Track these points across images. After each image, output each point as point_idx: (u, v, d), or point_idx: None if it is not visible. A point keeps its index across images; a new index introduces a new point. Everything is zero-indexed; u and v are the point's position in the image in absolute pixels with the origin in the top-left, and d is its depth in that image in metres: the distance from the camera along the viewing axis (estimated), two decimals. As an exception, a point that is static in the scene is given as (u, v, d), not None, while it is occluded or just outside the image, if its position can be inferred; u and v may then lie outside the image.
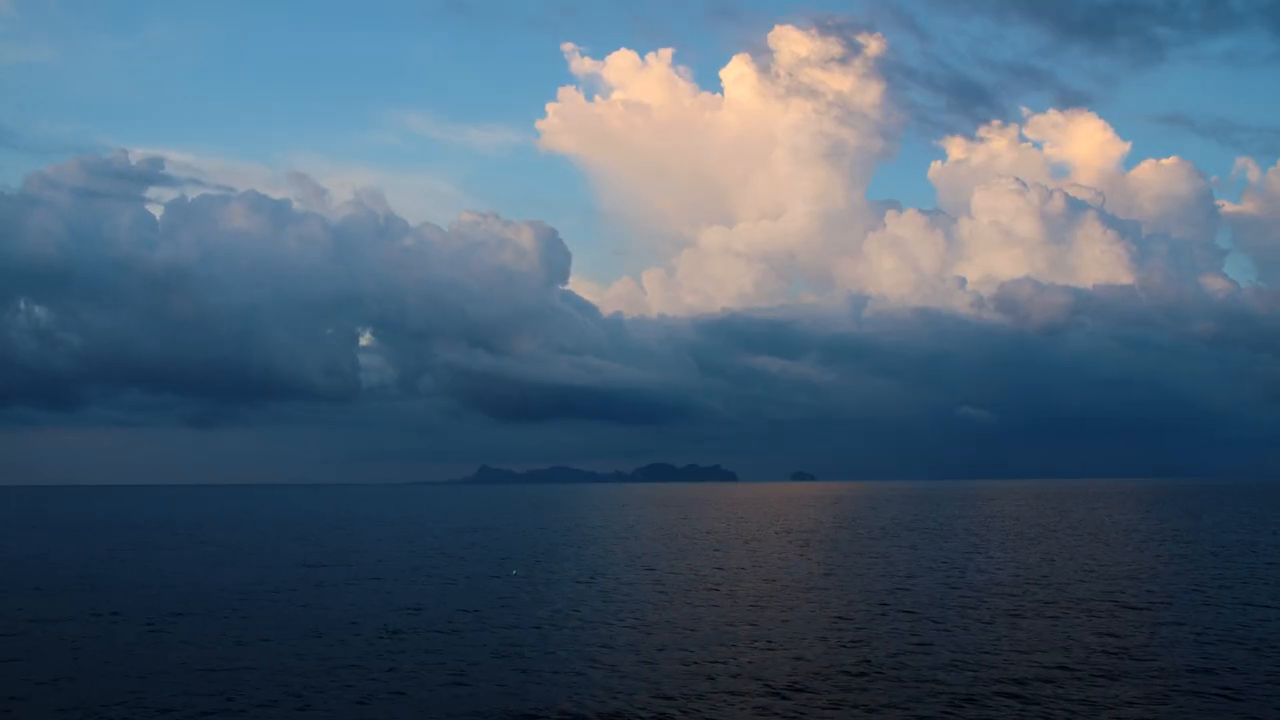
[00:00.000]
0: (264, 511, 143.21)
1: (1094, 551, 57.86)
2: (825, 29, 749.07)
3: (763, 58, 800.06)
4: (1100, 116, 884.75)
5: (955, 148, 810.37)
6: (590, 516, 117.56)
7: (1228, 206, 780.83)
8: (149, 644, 29.49)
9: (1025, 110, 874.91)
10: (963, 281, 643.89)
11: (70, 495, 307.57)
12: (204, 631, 31.56)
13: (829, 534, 77.52)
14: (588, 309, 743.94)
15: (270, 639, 30.14)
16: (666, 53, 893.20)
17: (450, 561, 55.65)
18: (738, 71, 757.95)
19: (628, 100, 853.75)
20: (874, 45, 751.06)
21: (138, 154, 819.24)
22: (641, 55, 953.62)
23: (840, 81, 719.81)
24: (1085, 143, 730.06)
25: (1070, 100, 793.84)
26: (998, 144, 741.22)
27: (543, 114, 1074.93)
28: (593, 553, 60.89)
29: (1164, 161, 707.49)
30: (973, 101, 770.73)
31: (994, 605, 35.62)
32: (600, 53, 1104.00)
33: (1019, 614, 33.46)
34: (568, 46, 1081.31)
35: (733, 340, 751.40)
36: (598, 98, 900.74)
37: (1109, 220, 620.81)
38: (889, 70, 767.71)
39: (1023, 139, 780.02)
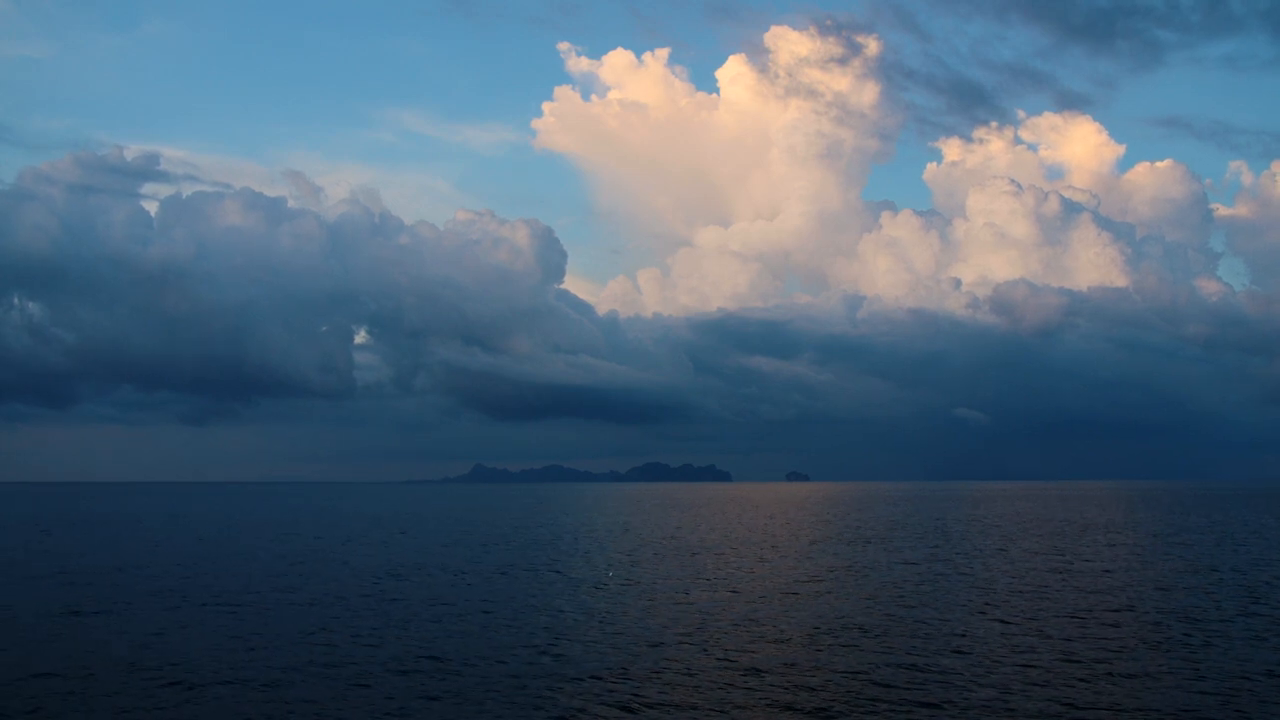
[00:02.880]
0: (286, 510, 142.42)
1: (1200, 555, 57.90)
2: (824, 29, 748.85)
3: (760, 58, 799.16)
4: (1099, 119, 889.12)
5: (951, 149, 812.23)
6: (621, 516, 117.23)
7: (1221, 210, 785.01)
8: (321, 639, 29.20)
9: (1021, 113, 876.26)
10: (958, 283, 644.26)
11: (67, 493, 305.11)
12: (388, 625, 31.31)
13: (899, 536, 77.35)
14: (583, 308, 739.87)
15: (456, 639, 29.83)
16: (663, 52, 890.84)
17: (531, 561, 55.23)
18: (734, 71, 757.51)
19: (624, 100, 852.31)
20: (873, 45, 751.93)
21: (133, 150, 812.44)
22: (638, 55, 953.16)
23: (838, 82, 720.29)
24: (1080, 145, 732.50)
25: (1070, 102, 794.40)
26: (993, 146, 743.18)
27: (539, 113, 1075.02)
28: (669, 553, 60.60)
29: (1158, 164, 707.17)
30: (972, 103, 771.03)
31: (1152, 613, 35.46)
32: (596, 52, 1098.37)
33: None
34: (564, 46, 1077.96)
35: (728, 340, 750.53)
36: (594, 97, 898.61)
37: (1103, 223, 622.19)
38: (889, 71, 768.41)
39: (1018, 141, 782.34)
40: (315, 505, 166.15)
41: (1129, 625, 31.71)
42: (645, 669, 25.70)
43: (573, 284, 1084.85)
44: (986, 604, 36.59)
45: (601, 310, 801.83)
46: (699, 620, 33.23)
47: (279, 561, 55.59)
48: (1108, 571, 47.45)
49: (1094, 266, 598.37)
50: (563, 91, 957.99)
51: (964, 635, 30.11)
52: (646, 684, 24.08)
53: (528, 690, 23.62)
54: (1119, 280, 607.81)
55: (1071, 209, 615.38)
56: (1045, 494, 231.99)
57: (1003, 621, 32.53)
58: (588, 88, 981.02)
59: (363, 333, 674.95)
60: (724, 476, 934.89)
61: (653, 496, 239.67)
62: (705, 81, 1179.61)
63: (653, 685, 23.96)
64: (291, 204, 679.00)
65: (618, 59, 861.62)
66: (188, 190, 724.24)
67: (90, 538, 78.78)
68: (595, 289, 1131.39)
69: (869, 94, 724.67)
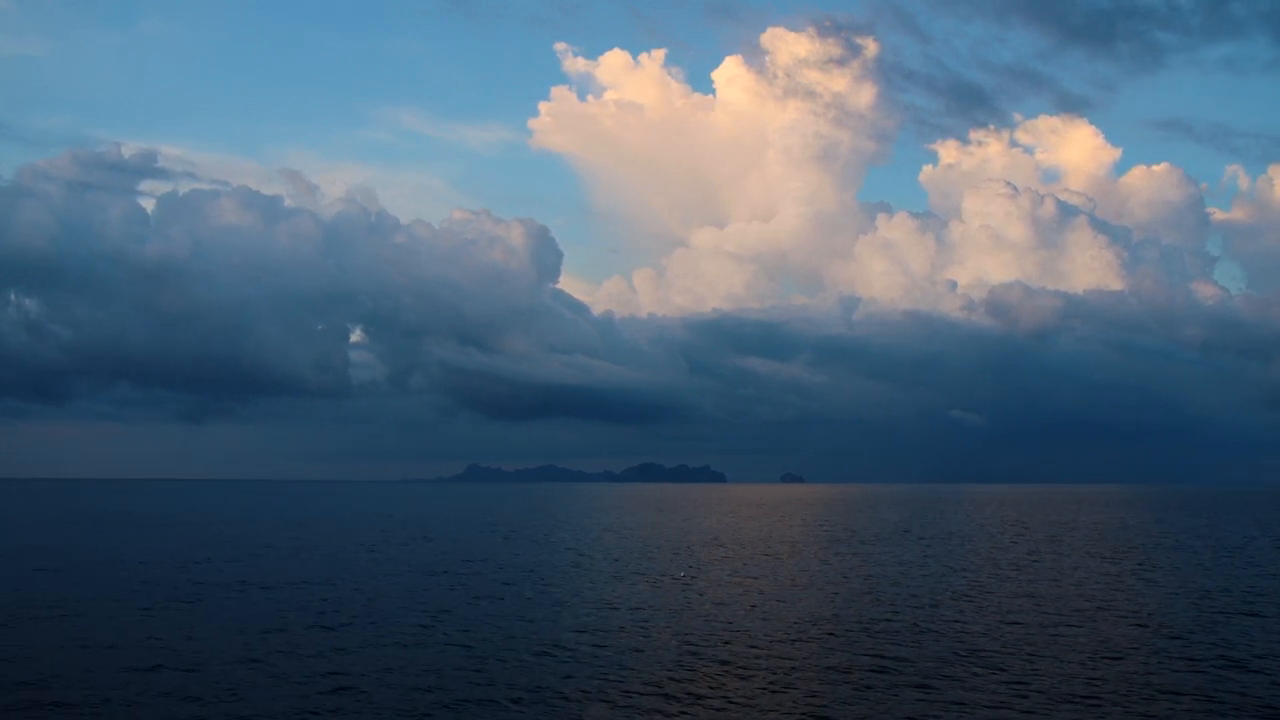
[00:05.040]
0: (299, 510, 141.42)
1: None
2: (824, 30, 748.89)
3: (757, 58, 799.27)
4: (1098, 121, 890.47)
5: (947, 152, 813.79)
6: (642, 516, 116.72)
7: (1218, 214, 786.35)
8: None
9: (1017, 116, 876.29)
10: (953, 285, 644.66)
11: (67, 490, 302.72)
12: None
13: (953, 540, 76.95)
14: (578, 308, 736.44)
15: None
16: (659, 53, 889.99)
17: (595, 559, 54.57)
18: (730, 72, 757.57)
19: (620, 100, 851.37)
20: (871, 47, 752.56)
21: (130, 148, 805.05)
22: (634, 56, 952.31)
23: (837, 83, 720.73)
24: (1076, 148, 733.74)
25: (1069, 104, 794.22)
26: (990, 148, 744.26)
27: (535, 113, 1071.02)
28: (725, 553, 60.06)
29: (1155, 168, 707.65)
30: (972, 105, 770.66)
31: None
32: (594, 53, 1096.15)
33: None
34: (561, 46, 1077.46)
35: (723, 341, 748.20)
36: (590, 97, 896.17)
37: (1100, 225, 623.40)
38: (887, 72, 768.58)
39: (1014, 144, 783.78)
40: (324, 505, 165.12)
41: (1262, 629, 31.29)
42: (809, 667, 25.13)
43: (568, 284, 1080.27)
44: (1086, 605, 36.15)
45: (597, 310, 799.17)
46: (815, 620, 32.66)
47: (331, 560, 54.87)
48: (1195, 578, 47.07)
49: (1090, 269, 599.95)
50: (559, 91, 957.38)
51: (1107, 642, 29.60)
52: (809, 677, 23.50)
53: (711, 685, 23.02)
54: (1115, 283, 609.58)
55: (1067, 212, 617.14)
56: (1052, 497, 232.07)
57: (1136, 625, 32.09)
58: (584, 88, 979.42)
59: (358, 331, 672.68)
60: (719, 477, 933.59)
61: (658, 497, 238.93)
62: (702, 82, 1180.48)
63: (814, 679, 23.38)
64: (288, 203, 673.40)
65: (614, 59, 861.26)
66: (185, 188, 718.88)
67: (115, 535, 77.72)
68: (591, 289, 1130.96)
69: (866, 95, 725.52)
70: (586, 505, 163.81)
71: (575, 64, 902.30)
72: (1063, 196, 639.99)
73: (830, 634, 30.31)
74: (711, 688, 23.40)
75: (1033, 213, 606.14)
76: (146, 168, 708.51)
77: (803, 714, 21.19)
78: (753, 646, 28.25)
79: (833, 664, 25.93)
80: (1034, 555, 58.46)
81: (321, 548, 63.54)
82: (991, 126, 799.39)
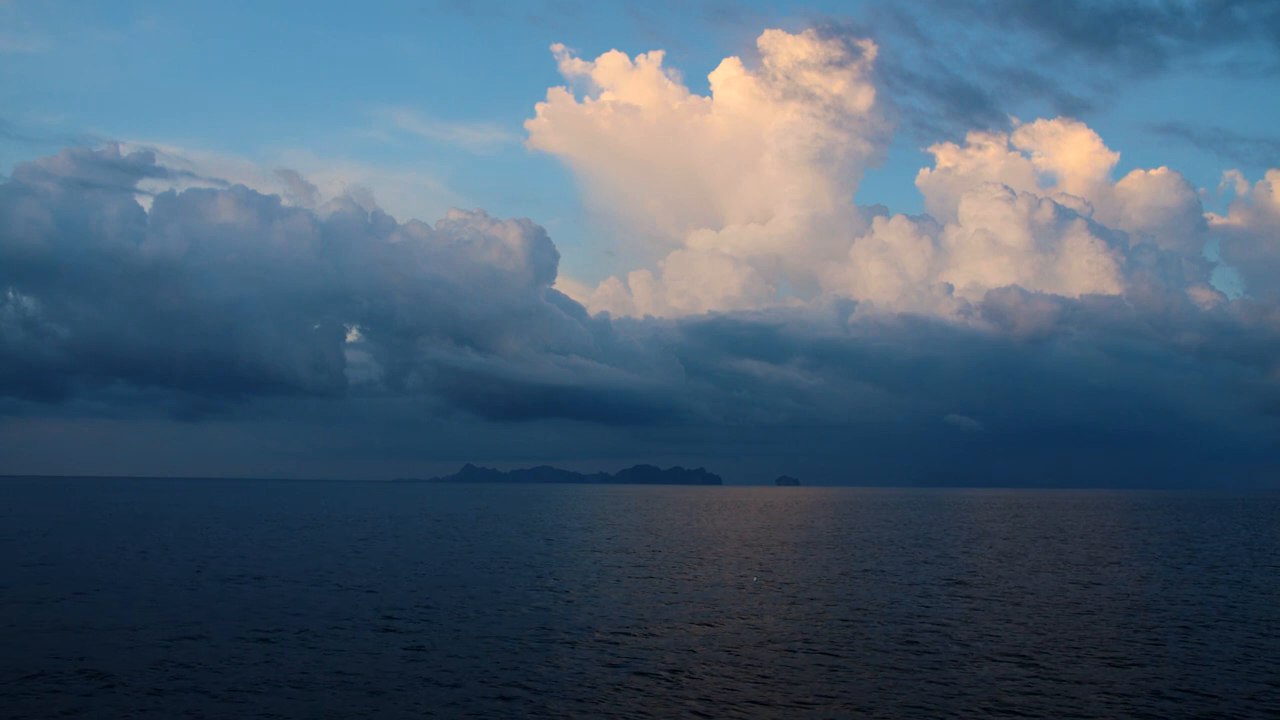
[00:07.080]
0: (312, 509, 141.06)
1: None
2: (822, 32, 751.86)
3: (755, 61, 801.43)
4: (1099, 125, 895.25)
5: (944, 155, 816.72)
6: (666, 518, 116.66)
7: (1216, 219, 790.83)
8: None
9: (1014, 119, 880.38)
10: (950, 288, 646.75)
11: (69, 488, 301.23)
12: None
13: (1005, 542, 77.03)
14: (574, 309, 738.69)
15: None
16: (656, 55, 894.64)
17: (654, 561, 54.62)
18: (727, 74, 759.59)
19: (617, 102, 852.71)
20: (870, 50, 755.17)
21: (128, 146, 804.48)
22: (632, 57, 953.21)
23: (834, 85, 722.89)
24: (1074, 152, 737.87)
25: (1069, 108, 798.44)
26: (987, 152, 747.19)
27: (532, 114, 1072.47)
28: (783, 554, 60.17)
29: (1153, 172, 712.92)
30: (970, 108, 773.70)
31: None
32: (591, 54, 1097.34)
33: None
34: (558, 47, 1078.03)
35: (719, 343, 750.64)
36: (587, 99, 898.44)
37: (1097, 230, 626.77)
38: (887, 75, 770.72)
39: (1012, 147, 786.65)
40: (332, 504, 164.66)
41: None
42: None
43: (564, 285, 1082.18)
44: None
45: (593, 311, 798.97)
46: (937, 623, 32.83)
47: (394, 559, 54.76)
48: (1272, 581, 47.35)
49: (1087, 274, 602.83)
50: (556, 93, 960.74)
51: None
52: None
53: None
54: (1112, 288, 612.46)
55: (1064, 216, 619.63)
56: (1055, 501, 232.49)
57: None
58: (581, 89, 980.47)
59: (354, 331, 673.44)
60: (714, 480, 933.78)
61: (662, 498, 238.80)
62: (699, 84, 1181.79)
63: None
64: (285, 202, 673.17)
65: (611, 61, 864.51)
66: (182, 187, 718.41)
67: (135, 533, 77.40)
68: (586, 290, 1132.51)
69: (865, 98, 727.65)
70: (596, 507, 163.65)
71: (572, 65, 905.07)
72: (1060, 200, 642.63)
73: (948, 637, 30.48)
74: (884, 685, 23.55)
75: (1030, 217, 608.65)
76: (144, 166, 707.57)
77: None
78: (897, 647, 28.45)
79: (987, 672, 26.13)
80: (1093, 559, 58.63)
81: (372, 549, 63.50)
82: (989, 130, 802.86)
